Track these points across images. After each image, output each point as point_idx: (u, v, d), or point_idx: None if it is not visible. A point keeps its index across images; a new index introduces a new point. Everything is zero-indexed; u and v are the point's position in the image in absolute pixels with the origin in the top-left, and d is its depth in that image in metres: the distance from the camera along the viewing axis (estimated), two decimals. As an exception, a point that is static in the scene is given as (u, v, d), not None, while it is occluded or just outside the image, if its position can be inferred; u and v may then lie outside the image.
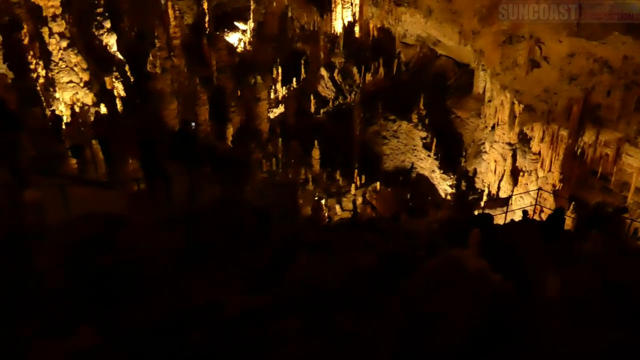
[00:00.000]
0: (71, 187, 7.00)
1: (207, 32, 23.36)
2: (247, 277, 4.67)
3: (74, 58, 16.05)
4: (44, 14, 15.96)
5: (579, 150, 17.43)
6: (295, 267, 4.60)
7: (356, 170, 21.09)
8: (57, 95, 16.13)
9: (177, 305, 3.86)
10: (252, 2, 24.92)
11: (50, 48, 15.98)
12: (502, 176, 19.83)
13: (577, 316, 3.94)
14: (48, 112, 14.05)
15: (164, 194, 7.18)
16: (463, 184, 21.17)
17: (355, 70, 24.09)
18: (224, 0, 26.67)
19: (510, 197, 18.77)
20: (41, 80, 15.93)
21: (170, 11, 19.43)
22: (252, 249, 5.23)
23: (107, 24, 19.55)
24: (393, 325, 3.56)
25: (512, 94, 18.31)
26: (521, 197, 18.29)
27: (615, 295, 4.30)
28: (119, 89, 18.37)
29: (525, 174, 18.84)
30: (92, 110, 16.04)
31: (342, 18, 25.44)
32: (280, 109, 23.50)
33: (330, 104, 23.68)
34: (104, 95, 17.36)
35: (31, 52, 15.88)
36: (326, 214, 19.44)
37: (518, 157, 19.28)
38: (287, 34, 25.49)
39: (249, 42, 25.35)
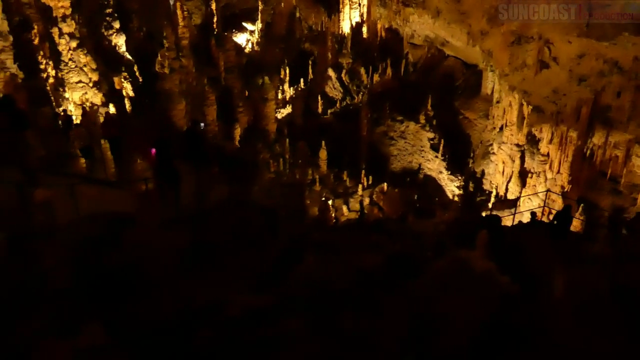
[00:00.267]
0: (80, 186, 7.05)
1: (215, 32, 23.45)
2: (253, 277, 4.67)
3: (83, 58, 16.17)
4: (54, 15, 16.09)
5: (588, 152, 17.30)
6: (301, 267, 4.60)
7: (363, 171, 21.07)
8: (66, 95, 16.25)
9: (182, 304, 3.87)
10: (260, 3, 24.99)
11: (60, 48, 16.11)
12: (510, 177, 19.72)
13: (583, 317, 3.91)
14: (60, 112, 14.16)
15: (173, 194, 7.19)
16: (471, 185, 21.08)
17: (362, 70, 24.07)
18: (233, 1, 26.77)
19: (518, 198, 18.66)
20: (51, 80, 16.05)
21: (178, 12, 19.52)
22: (259, 249, 5.23)
23: (116, 25, 19.68)
24: (399, 326, 3.55)
25: (521, 95, 18.20)
26: (529, 198, 18.18)
27: (621, 297, 4.27)
28: (128, 89, 18.48)
29: (534, 175, 18.72)
30: (101, 110, 16.14)
31: (350, 19, 25.43)
32: (288, 109, 23.53)
33: (338, 104, 23.68)
34: (113, 95, 17.48)
35: (41, 52, 16.01)
36: (333, 215, 19.43)
37: (526, 158, 19.16)
38: (294, 35, 25.53)
39: (257, 43, 25.41)
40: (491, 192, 20.49)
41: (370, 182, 21.02)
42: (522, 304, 3.87)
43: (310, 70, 24.52)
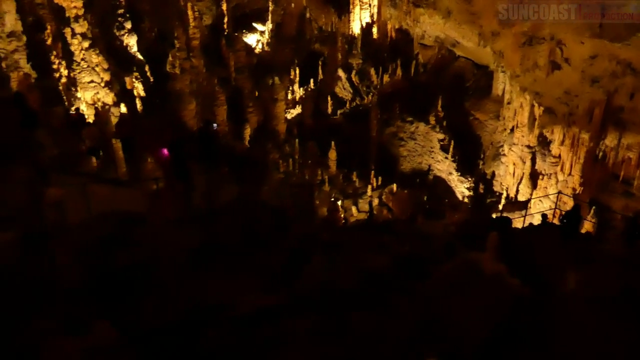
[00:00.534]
0: (92, 185, 7.11)
1: (225, 33, 23.56)
2: (262, 276, 4.68)
3: (95, 58, 16.32)
4: (67, 15, 16.27)
5: (601, 154, 17.10)
6: (310, 267, 4.60)
7: (373, 172, 21.02)
8: (78, 94, 16.42)
9: (192, 303, 3.88)
10: (270, 4, 25.03)
11: (72, 48, 16.28)
12: (521, 179, 19.57)
13: (595, 316, 3.86)
14: (73, 111, 14.30)
15: (185, 193, 7.22)
16: (481, 186, 20.96)
17: (372, 71, 24.02)
18: (243, 2, 26.84)
19: (529, 200, 18.52)
20: (63, 80, 16.23)
21: (189, 12, 19.62)
22: (268, 249, 5.24)
23: (128, 25, 19.84)
24: (407, 327, 3.54)
25: (532, 96, 18.06)
26: (540, 200, 18.02)
27: (633, 297, 4.21)
28: (139, 89, 18.62)
29: (545, 177, 18.57)
30: (113, 110, 16.28)
31: (360, 19, 25.40)
32: (298, 109, 23.55)
33: (348, 105, 23.66)
34: (124, 95, 17.62)
35: (54, 52, 16.19)
36: (342, 215, 19.41)
37: (537, 160, 19.02)
38: (305, 35, 25.55)
39: (267, 43, 25.46)
40: (501, 194, 20.35)
41: (379, 182, 20.97)
42: (532, 307, 3.84)
43: (320, 71, 24.52)
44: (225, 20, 24.27)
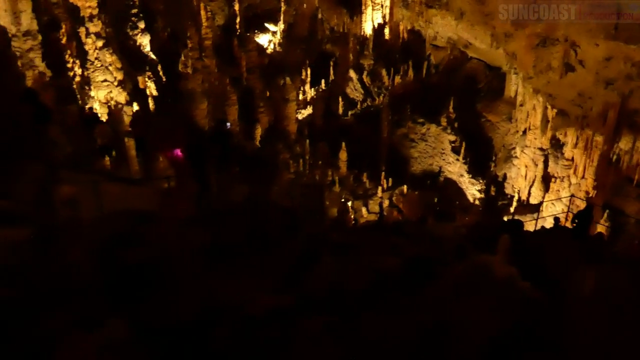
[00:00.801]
0: (104, 183, 7.16)
1: (237, 33, 23.62)
2: (272, 276, 4.69)
3: (109, 57, 16.47)
4: (82, 15, 16.43)
5: (614, 157, 16.92)
6: (319, 268, 4.60)
7: (383, 173, 20.98)
8: (92, 93, 16.58)
9: (202, 302, 3.90)
10: (282, 4, 25.09)
11: (86, 47, 16.44)
12: (533, 182, 19.41)
13: (608, 320, 3.81)
14: (87, 109, 14.45)
15: (200, 193, 7.26)
16: (492, 189, 20.82)
17: (384, 72, 23.98)
18: (255, 2, 26.92)
19: (541, 203, 18.36)
20: (77, 79, 16.41)
21: (202, 12, 19.73)
22: (278, 249, 5.25)
23: (142, 25, 20.00)
24: (416, 329, 3.53)
25: (545, 98, 17.92)
26: (552, 203, 17.87)
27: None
28: (151, 88, 18.75)
29: (557, 180, 18.40)
30: (126, 109, 16.41)
31: (372, 20, 25.36)
32: (309, 110, 23.57)
33: (359, 105, 23.63)
34: (137, 94, 17.76)
35: (68, 51, 16.38)
36: (352, 216, 19.40)
37: (550, 162, 18.85)
38: (316, 36, 25.57)
39: (279, 44, 25.51)
40: (513, 197, 20.20)
41: (390, 184, 20.93)
42: (544, 310, 3.81)
43: (331, 72, 24.53)
44: (238, 20, 24.33)
